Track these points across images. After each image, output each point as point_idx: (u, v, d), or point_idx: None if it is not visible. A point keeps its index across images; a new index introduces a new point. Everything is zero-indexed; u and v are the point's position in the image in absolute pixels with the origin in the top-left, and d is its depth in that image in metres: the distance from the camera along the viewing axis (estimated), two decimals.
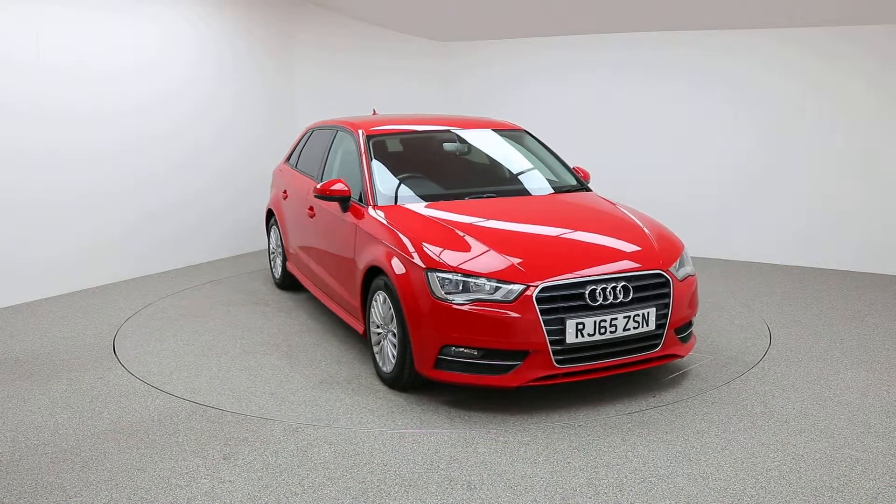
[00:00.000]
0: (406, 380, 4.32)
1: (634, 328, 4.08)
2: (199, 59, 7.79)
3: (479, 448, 3.70)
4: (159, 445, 3.74)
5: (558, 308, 3.96)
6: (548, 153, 5.77)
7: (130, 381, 4.64)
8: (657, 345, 4.23)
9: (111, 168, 6.98)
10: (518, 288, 3.95)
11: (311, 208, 5.75)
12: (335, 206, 5.22)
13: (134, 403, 4.28)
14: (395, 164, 5.38)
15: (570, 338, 3.94)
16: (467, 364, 4.05)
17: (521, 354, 3.96)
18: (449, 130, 5.74)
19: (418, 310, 4.11)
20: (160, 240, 7.54)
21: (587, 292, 4.00)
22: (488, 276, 4.01)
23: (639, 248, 4.39)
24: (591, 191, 5.50)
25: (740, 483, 3.34)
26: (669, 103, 8.33)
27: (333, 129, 6.04)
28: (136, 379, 4.67)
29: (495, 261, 4.10)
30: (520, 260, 4.10)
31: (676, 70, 8.24)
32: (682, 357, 4.50)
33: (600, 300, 4.01)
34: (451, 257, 4.14)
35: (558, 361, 3.97)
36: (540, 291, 3.93)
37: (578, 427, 3.93)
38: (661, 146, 8.42)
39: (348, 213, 5.04)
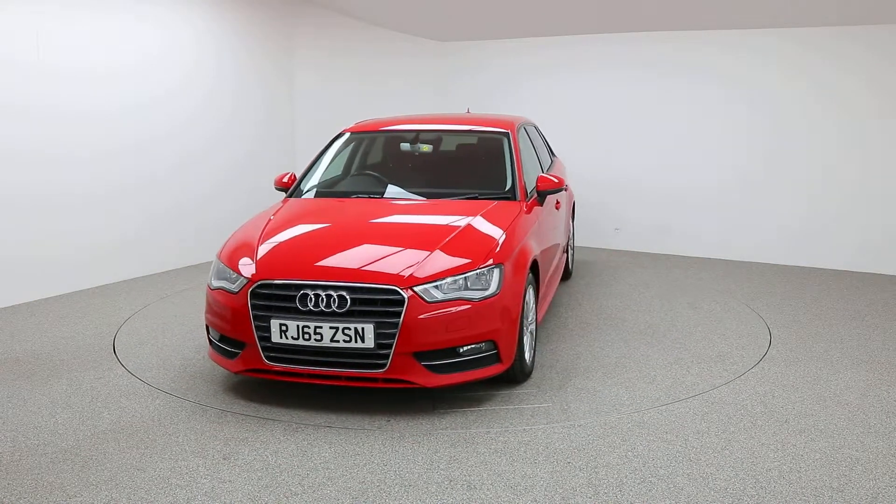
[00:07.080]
0: None
1: (346, 342, 3.93)
2: (198, 58, 7.79)
3: (479, 448, 3.70)
4: (159, 445, 3.74)
5: (270, 307, 4.08)
6: (511, 158, 5.39)
7: (130, 381, 4.64)
8: (383, 366, 3.96)
9: (111, 168, 6.98)
10: (243, 281, 4.18)
11: None
12: None
13: (134, 403, 4.28)
14: (354, 162, 5.84)
15: (275, 337, 4.04)
16: (215, 346, 4.44)
17: (241, 344, 4.19)
18: (416, 131, 5.89)
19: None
20: (160, 239, 7.53)
21: (298, 296, 4.02)
22: (228, 267, 4.34)
23: (407, 265, 4.08)
24: (518, 200, 5.01)
25: (740, 483, 3.34)
26: (669, 103, 8.33)
27: None
28: (136, 379, 4.67)
29: (249, 255, 4.34)
30: (266, 257, 4.30)
31: (676, 70, 8.24)
32: (427, 387, 4.02)
33: (310, 306, 3.99)
34: (228, 246, 4.55)
35: (268, 358, 4.11)
36: (256, 287, 4.11)
37: (578, 427, 3.93)
38: (661, 146, 8.42)
39: None
